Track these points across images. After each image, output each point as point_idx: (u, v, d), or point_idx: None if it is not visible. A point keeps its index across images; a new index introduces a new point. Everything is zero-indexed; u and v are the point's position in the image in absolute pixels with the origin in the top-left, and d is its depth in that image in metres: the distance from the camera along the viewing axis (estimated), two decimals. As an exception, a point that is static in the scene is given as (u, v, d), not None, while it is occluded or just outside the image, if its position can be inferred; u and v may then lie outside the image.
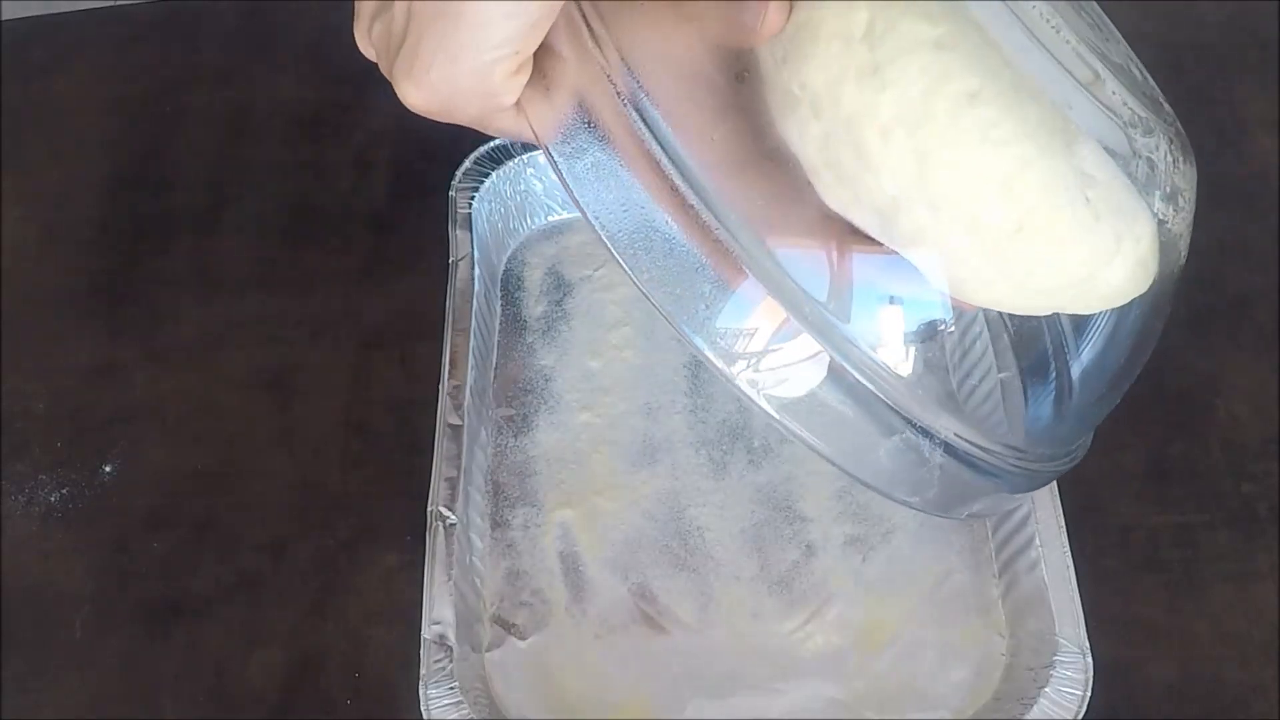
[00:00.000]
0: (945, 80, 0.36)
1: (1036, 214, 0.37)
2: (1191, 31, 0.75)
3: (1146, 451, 0.59)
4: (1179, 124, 0.43)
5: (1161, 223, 0.41)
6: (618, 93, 0.37)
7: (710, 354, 0.39)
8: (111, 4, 0.80)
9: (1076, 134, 0.38)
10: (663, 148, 0.37)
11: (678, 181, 0.37)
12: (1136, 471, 0.58)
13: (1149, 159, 0.42)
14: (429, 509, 0.53)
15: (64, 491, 0.60)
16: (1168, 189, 0.42)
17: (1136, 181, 0.40)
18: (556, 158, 0.38)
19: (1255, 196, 0.67)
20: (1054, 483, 0.53)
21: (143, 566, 0.57)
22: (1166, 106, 0.44)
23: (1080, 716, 0.48)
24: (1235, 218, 0.66)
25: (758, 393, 0.39)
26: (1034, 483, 0.45)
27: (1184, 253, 0.44)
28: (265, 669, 0.54)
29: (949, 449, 0.41)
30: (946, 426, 0.41)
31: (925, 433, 0.41)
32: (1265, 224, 0.66)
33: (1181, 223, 0.43)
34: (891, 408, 0.40)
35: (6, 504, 0.59)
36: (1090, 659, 0.49)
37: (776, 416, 0.40)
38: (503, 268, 0.66)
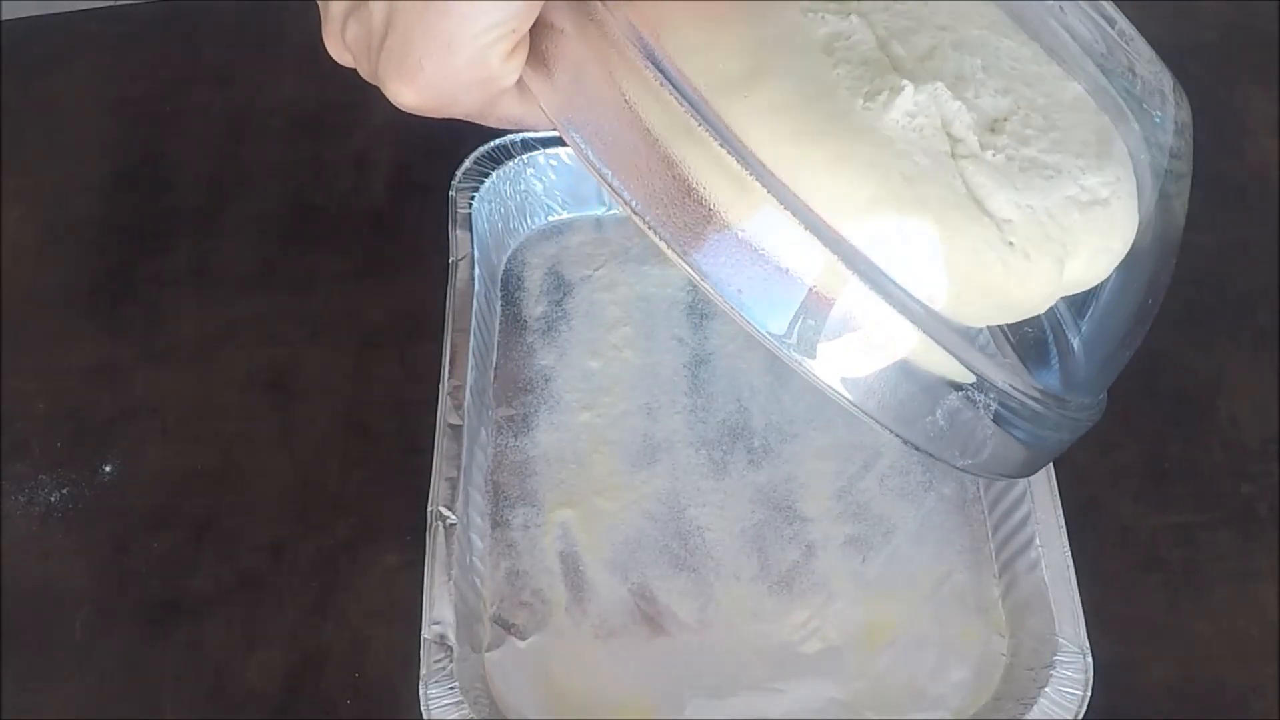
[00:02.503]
0: (850, 193, 0.37)
1: (970, 283, 0.39)
2: (1191, 31, 0.75)
3: (1146, 451, 0.59)
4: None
5: (1169, 170, 0.41)
6: (634, 54, 0.36)
7: (758, 324, 0.37)
8: (111, 4, 0.80)
9: (984, 186, 0.39)
10: (691, 105, 0.36)
11: (709, 135, 0.35)
12: (1136, 471, 0.58)
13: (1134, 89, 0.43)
14: (429, 509, 0.53)
15: (64, 491, 0.60)
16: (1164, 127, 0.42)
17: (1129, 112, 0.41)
18: (574, 135, 0.37)
19: (1255, 196, 0.67)
20: (1054, 483, 0.53)
21: (143, 566, 0.57)
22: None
23: (1080, 716, 0.48)
24: (1235, 218, 0.66)
25: (809, 355, 0.37)
26: (1075, 431, 0.44)
27: (1184, 195, 0.43)
28: (265, 669, 0.54)
29: (1003, 400, 0.40)
30: (999, 377, 0.39)
31: (984, 385, 0.39)
32: (1265, 224, 0.66)
33: (1184, 166, 0.42)
34: (959, 358, 0.38)
35: (6, 504, 0.59)
36: (1090, 659, 0.49)
37: (827, 382, 0.37)
38: (503, 268, 0.66)
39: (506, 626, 0.54)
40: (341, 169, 0.71)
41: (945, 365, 0.39)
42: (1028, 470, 0.45)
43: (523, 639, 0.53)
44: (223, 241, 0.68)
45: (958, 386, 0.39)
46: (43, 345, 0.65)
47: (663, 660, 0.53)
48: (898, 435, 0.40)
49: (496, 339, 0.63)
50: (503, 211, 0.65)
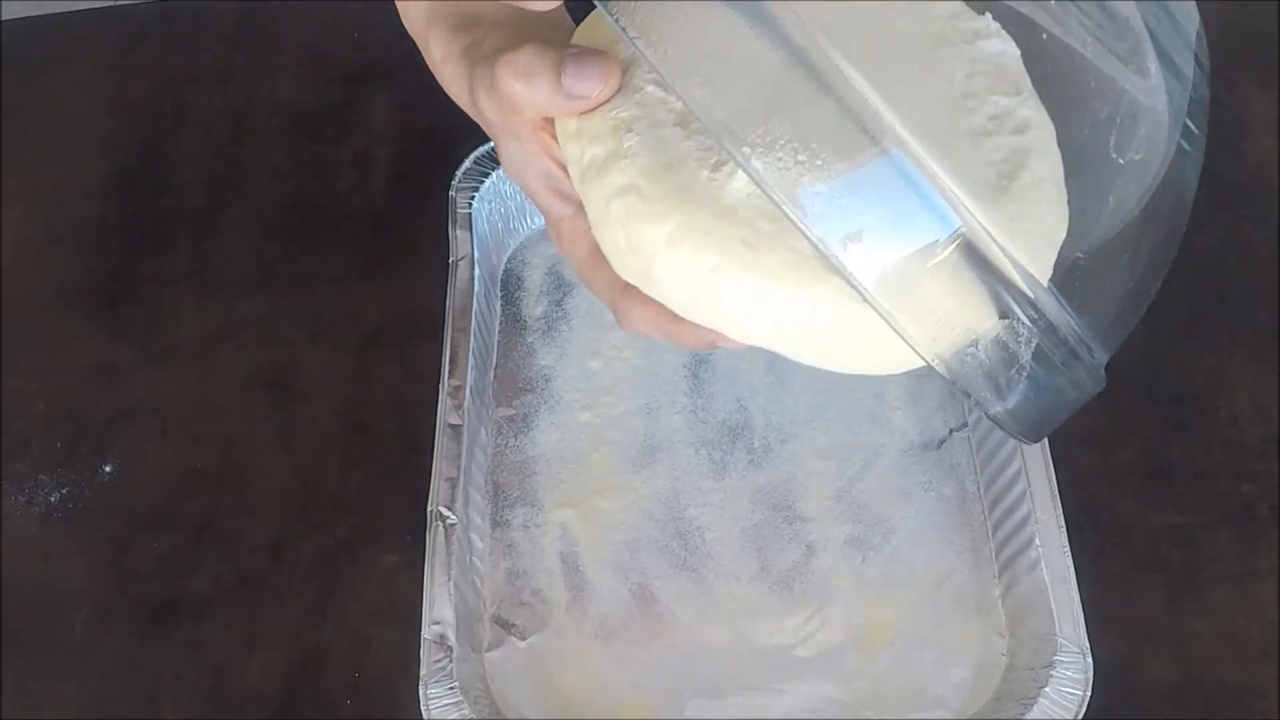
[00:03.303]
0: (693, 266, 0.39)
1: (828, 339, 0.40)
2: (1191, 31, 0.75)
3: (1146, 451, 0.59)
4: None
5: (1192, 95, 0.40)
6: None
7: (811, 227, 0.35)
8: (111, 4, 0.80)
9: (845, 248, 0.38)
10: None
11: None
12: (1136, 471, 0.58)
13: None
14: (429, 509, 0.53)
15: (64, 491, 0.60)
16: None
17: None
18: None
19: (1255, 196, 0.67)
20: (1054, 483, 0.53)
21: (143, 566, 0.57)
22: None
23: (1080, 716, 0.48)
24: (1235, 218, 0.66)
25: (857, 267, 0.36)
26: (1084, 395, 0.42)
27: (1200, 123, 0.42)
28: (265, 669, 0.54)
29: (1047, 333, 0.39)
30: (1051, 306, 0.38)
31: (1035, 310, 0.38)
32: (1265, 224, 0.66)
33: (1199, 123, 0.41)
34: (1008, 281, 0.37)
35: (6, 504, 0.59)
36: (1090, 659, 0.49)
37: (876, 297, 0.36)
38: (503, 268, 0.65)
39: (506, 626, 0.54)
40: (341, 169, 0.71)
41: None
42: (1037, 431, 0.44)
43: (523, 639, 0.53)
44: (223, 241, 0.68)
45: (1004, 314, 0.38)
46: (43, 345, 0.65)
47: (663, 660, 0.53)
48: (937, 361, 0.38)
49: (496, 339, 0.63)
50: (503, 211, 0.65)
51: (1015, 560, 0.53)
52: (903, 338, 0.37)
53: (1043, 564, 0.51)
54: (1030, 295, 0.38)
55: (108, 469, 0.60)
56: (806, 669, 0.52)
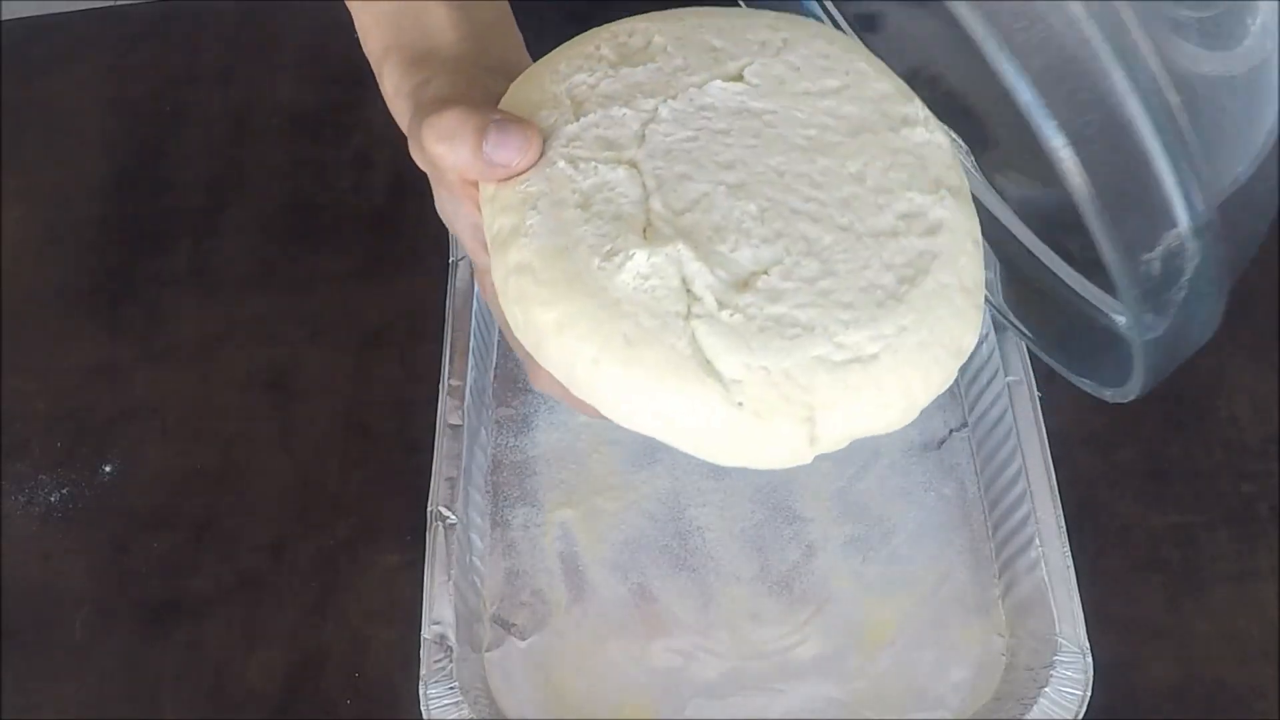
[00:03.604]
0: (577, 355, 0.40)
1: (703, 440, 0.41)
2: (1191, 31, 0.75)
3: (1146, 451, 0.59)
4: None
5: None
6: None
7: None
8: (111, 4, 0.80)
9: (714, 347, 0.39)
10: None
11: None
12: (1136, 471, 0.58)
13: None
14: (429, 509, 0.53)
15: (64, 491, 0.60)
16: None
17: None
18: None
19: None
20: (1054, 483, 0.53)
21: (143, 566, 0.57)
22: None
23: (1080, 716, 0.48)
24: (1235, 218, 0.66)
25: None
26: (1215, 325, 0.45)
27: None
28: (265, 669, 0.54)
29: (1206, 253, 0.41)
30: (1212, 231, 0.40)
31: (1204, 225, 0.39)
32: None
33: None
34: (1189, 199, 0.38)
35: (6, 504, 0.59)
36: (1090, 659, 0.49)
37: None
38: (503, 268, 0.65)
39: (506, 626, 0.54)
40: (341, 169, 0.71)
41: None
42: (1164, 366, 0.45)
43: (523, 639, 0.53)
44: (223, 241, 0.68)
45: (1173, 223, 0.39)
46: (43, 345, 0.65)
47: (663, 660, 0.53)
48: (1120, 268, 0.39)
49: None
50: (503, 211, 0.65)
51: (1015, 560, 0.53)
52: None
53: (1043, 564, 0.51)
54: (1203, 216, 0.39)
55: (108, 469, 0.60)
56: (806, 669, 0.52)
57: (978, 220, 0.43)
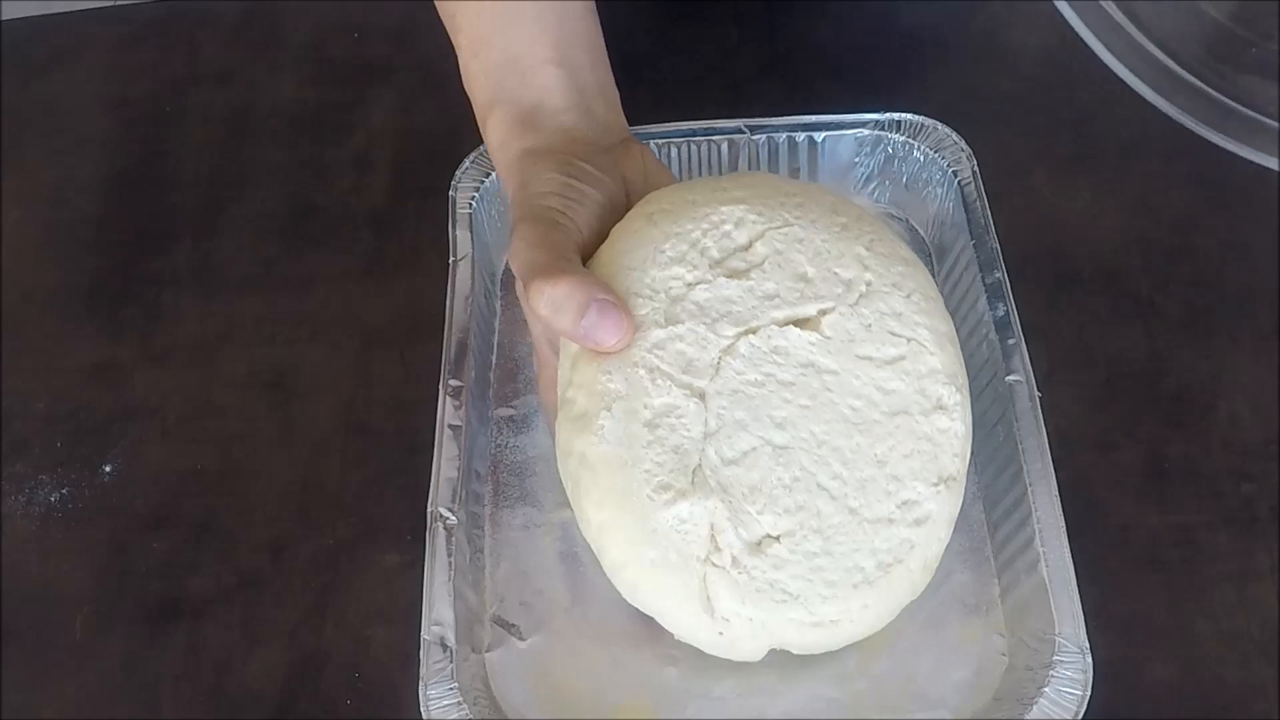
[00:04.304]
0: (609, 549, 0.49)
1: (687, 639, 0.50)
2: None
3: (1146, 451, 0.59)
4: None
5: None
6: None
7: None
8: (111, 4, 0.80)
9: (719, 594, 0.47)
10: None
11: None
12: (1136, 471, 0.58)
13: None
14: (429, 509, 0.53)
15: (64, 491, 0.60)
16: None
17: None
18: None
19: (1255, 196, 0.67)
20: (1054, 483, 0.53)
21: (143, 566, 0.57)
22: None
23: (1080, 716, 0.48)
24: (1235, 218, 0.66)
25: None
26: None
27: None
28: (265, 669, 0.54)
29: None
30: None
31: None
32: (1265, 224, 0.66)
33: None
34: None
35: (6, 504, 0.59)
36: (1090, 658, 0.49)
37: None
38: (503, 266, 0.65)
39: (507, 627, 0.54)
40: (341, 169, 0.71)
41: None
42: None
43: (523, 639, 0.53)
44: (223, 241, 0.68)
45: None
46: (43, 345, 0.65)
47: (662, 661, 0.53)
48: None
49: (496, 339, 0.63)
50: (503, 210, 0.65)
51: (1015, 560, 0.53)
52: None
53: (1043, 564, 0.51)
54: None
55: (108, 469, 0.60)
56: (806, 669, 0.52)
57: (960, 499, 0.51)
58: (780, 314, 0.50)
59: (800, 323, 0.50)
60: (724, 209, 0.51)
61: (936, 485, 0.49)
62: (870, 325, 0.50)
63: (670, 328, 0.49)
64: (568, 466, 0.50)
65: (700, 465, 0.48)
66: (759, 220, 0.51)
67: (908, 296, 0.51)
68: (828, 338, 0.50)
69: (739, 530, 0.47)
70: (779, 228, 0.51)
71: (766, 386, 0.49)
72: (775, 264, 0.51)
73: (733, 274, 0.50)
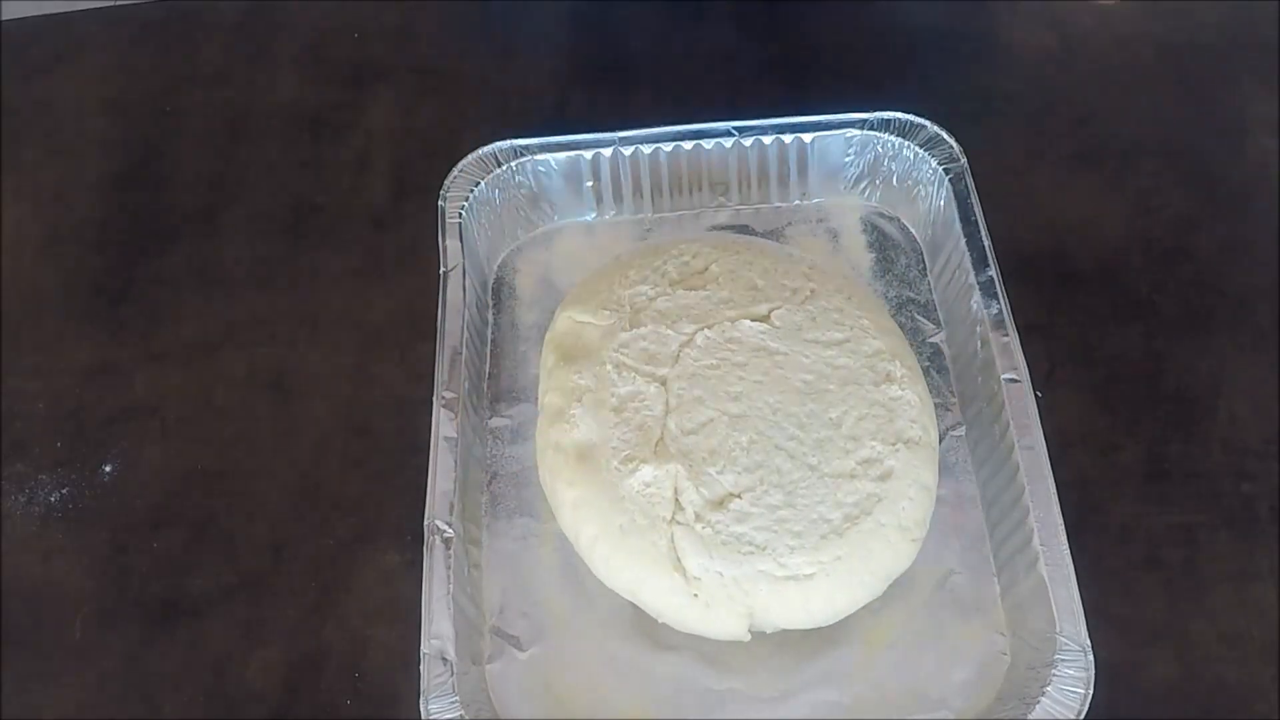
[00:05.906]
0: (582, 528, 0.52)
1: (663, 614, 0.51)
2: (1191, 32, 0.75)
3: (1146, 451, 0.59)
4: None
5: None
6: None
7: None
8: (111, 4, 0.80)
9: (686, 550, 0.50)
10: None
11: None
12: (1136, 471, 0.58)
13: None
14: (425, 523, 0.53)
15: (64, 491, 0.60)
16: None
17: None
18: None
19: (1255, 196, 0.67)
20: (1053, 483, 0.53)
21: (143, 566, 0.57)
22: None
23: (1083, 715, 0.48)
24: (1235, 218, 0.66)
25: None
26: None
27: None
28: (265, 669, 0.54)
29: None
30: None
31: None
32: (1265, 224, 0.66)
33: None
34: None
35: (6, 504, 0.59)
36: (1091, 657, 0.49)
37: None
38: (494, 276, 0.65)
39: (506, 638, 0.53)
40: (341, 169, 0.71)
41: None
42: None
43: (523, 650, 0.53)
44: (223, 241, 0.68)
45: None
46: (43, 345, 0.65)
47: (663, 669, 0.52)
48: None
49: (489, 348, 0.62)
50: (493, 219, 0.65)
51: (1015, 560, 0.53)
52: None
53: (1042, 562, 0.51)
54: None
55: (108, 469, 0.60)
56: (807, 674, 0.52)
57: (934, 468, 0.53)
58: (734, 313, 0.56)
59: (752, 318, 0.56)
60: (684, 244, 0.59)
61: (895, 445, 0.52)
62: (815, 318, 0.56)
63: (634, 330, 0.56)
64: (545, 459, 0.54)
65: (662, 438, 0.52)
66: (713, 252, 0.59)
67: (848, 298, 0.57)
68: (777, 327, 0.56)
69: (700, 489, 0.51)
70: (731, 254, 0.59)
71: (721, 369, 0.54)
72: (729, 279, 0.57)
73: (691, 288, 0.57)
